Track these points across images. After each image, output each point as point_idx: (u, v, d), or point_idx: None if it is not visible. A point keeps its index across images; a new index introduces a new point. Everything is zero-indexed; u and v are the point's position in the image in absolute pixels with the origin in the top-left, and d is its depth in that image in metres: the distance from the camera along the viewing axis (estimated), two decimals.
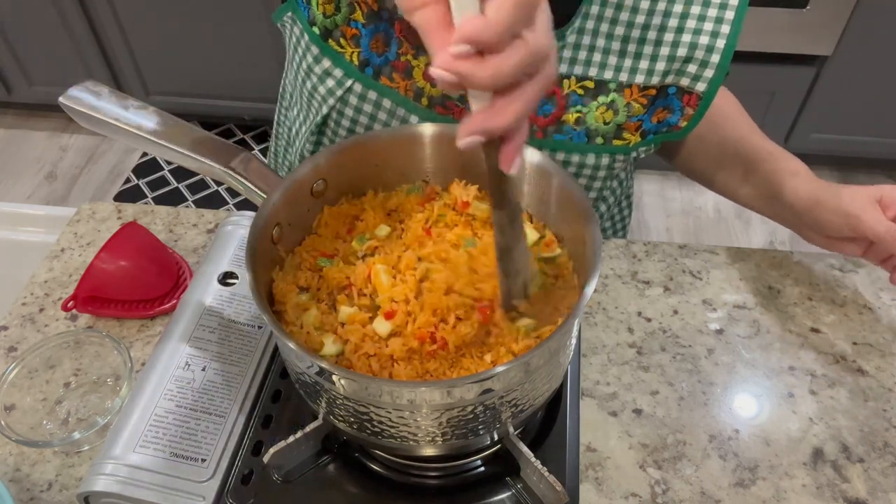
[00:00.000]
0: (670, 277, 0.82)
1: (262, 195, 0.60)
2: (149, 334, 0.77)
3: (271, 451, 0.58)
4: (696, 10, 0.72)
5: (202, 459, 0.60)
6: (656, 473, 0.65)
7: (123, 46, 2.17)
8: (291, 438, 0.59)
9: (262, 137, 2.42)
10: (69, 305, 0.76)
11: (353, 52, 0.75)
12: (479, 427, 0.54)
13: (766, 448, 0.67)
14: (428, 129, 0.66)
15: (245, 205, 2.18)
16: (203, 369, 0.66)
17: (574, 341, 0.60)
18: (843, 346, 0.76)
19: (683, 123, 0.78)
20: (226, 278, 0.73)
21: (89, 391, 0.72)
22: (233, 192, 2.25)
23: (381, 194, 0.68)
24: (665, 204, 2.21)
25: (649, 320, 0.78)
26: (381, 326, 0.56)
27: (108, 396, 0.71)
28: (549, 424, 0.66)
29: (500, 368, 0.48)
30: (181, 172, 2.29)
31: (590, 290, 0.51)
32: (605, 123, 0.75)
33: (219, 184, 2.28)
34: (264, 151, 2.37)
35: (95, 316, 0.78)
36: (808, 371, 0.74)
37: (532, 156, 0.63)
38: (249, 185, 0.61)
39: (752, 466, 0.66)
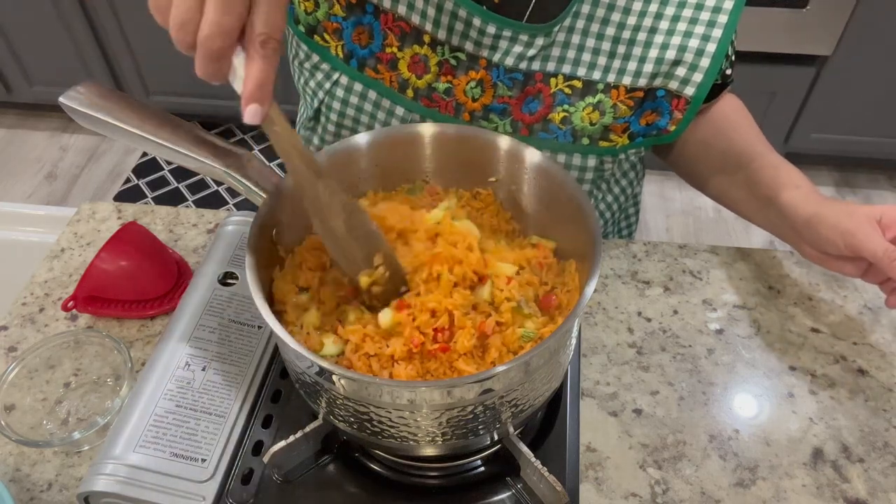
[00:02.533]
0: (670, 277, 0.82)
1: (262, 195, 0.60)
2: (149, 334, 0.77)
3: (271, 451, 0.58)
4: (687, 13, 0.72)
5: (202, 459, 0.60)
6: (656, 473, 0.65)
7: (123, 46, 2.17)
8: (291, 438, 0.59)
9: (263, 137, 2.42)
10: (69, 305, 0.76)
11: (337, 46, 0.76)
12: (479, 427, 0.54)
13: (766, 448, 0.67)
14: (428, 129, 0.66)
15: (245, 205, 2.18)
16: (203, 369, 0.66)
17: (574, 341, 0.60)
18: (843, 346, 0.76)
19: (672, 127, 0.77)
20: (226, 278, 0.73)
21: (89, 391, 0.72)
22: (233, 192, 2.25)
23: (381, 194, 0.68)
24: (665, 204, 2.21)
25: (649, 320, 0.78)
26: (385, 316, 0.56)
27: (108, 396, 0.71)
28: (549, 424, 0.66)
29: (500, 368, 0.48)
30: (181, 172, 2.29)
31: (590, 290, 0.51)
32: (592, 124, 0.75)
33: (219, 184, 2.28)
34: (264, 151, 2.37)
35: (95, 316, 0.78)
36: (808, 371, 0.74)
37: (532, 156, 0.63)
38: (249, 185, 0.61)
39: (752, 466, 0.66)
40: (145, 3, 0.49)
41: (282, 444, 0.58)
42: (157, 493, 0.58)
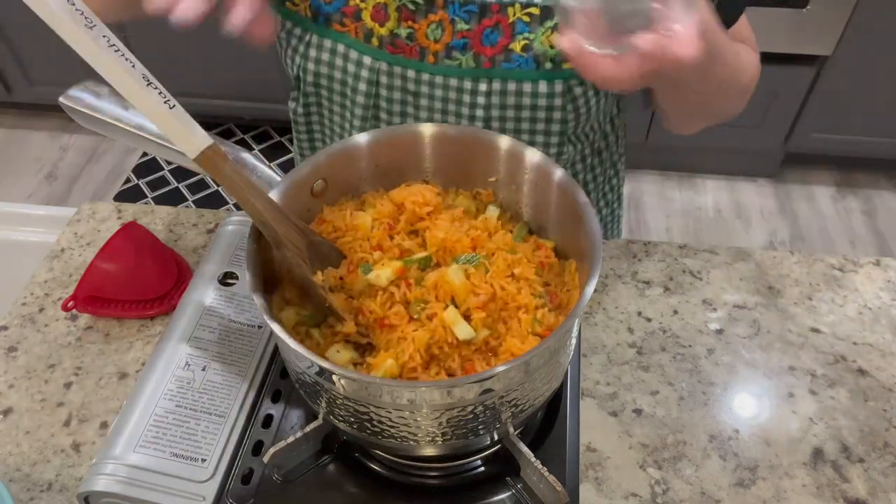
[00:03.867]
0: (670, 277, 0.82)
1: None
2: (149, 334, 0.77)
3: (271, 451, 0.58)
4: None
5: (202, 459, 0.60)
6: (656, 473, 0.66)
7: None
8: (291, 438, 0.59)
9: (263, 137, 2.42)
10: (69, 305, 0.76)
11: (304, 7, 0.77)
12: (479, 427, 0.54)
13: (766, 448, 0.67)
14: (428, 129, 0.66)
15: None
16: (203, 369, 0.66)
17: (574, 341, 0.60)
18: (843, 346, 0.76)
19: None
20: (226, 278, 0.73)
21: (89, 391, 0.72)
22: None
23: (382, 193, 0.68)
24: (665, 204, 2.21)
25: (649, 320, 0.78)
26: (383, 274, 0.56)
27: (109, 396, 0.71)
28: (549, 424, 0.66)
29: (500, 368, 0.48)
30: (181, 172, 2.29)
31: (590, 290, 0.51)
32: (552, 47, 0.73)
33: (219, 184, 2.27)
34: (264, 151, 2.37)
35: (95, 316, 0.78)
36: (808, 371, 0.74)
37: (532, 156, 0.63)
38: None
39: (752, 466, 0.66)
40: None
41: (282, 444, 0.58)
42: (157, 493, 0.58)
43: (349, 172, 0.66)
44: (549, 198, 0.64)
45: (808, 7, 1.78)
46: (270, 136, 2.42)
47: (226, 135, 2.42)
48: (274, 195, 0.59)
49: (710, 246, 0.86)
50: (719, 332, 0.77)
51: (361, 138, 0.65)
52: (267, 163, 0.66)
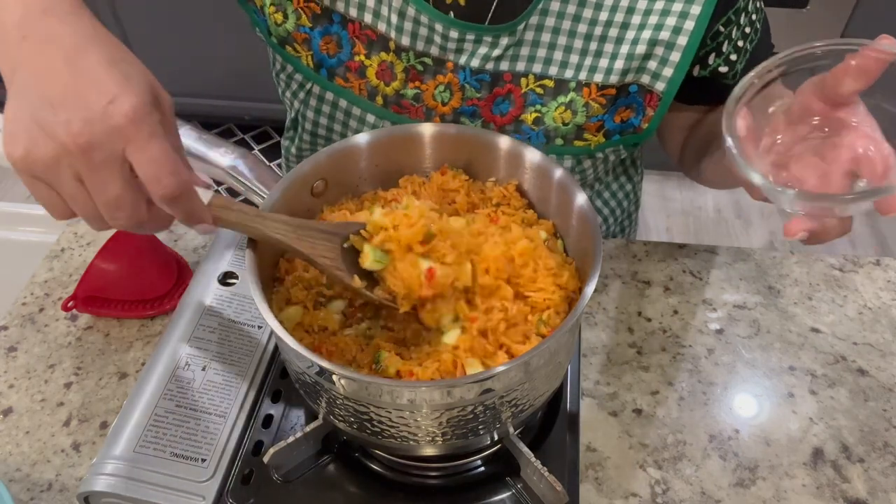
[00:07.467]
0: (670, 277, 0.82)
1: (262, 195, 0.60)
2: (149, 334, 0.77)
3: (271, 451, 0.58)
4: (659, 5, 0.68)
5: (202, 459, 0.60)
6: (656, 473, 0.66)
7: None
8: (291, 438, 0.59)
9: (262, 137, 2.42)
10: (69, 305, 0.76)
11: (307, 56, 0.76)
12: (479, 427, 0.54)
13: (766, 448, 0.67)
14: (428, 129, 0.66)
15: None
16: (203, 369, 0.66)
17: (574, 341, 0.60)
18: (843, 346, 0.76)
19: (645, 125, 0.75)
20: (226, 278, 0.73)
21: (89, 391, 0.72)
22: (233, 192, 2.24)
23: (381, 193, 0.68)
24: (665, 204, 2.21)
25: (649, 320, 0.78)
26: (449, 337, 0.55)
27: (109, 396, 0.71)
28: (549, 424, 0.66)
29: (500, 368, 0.48)
30: None
31: (590, 290, 0.51)
32: (565, 124, 0.73)
33: (219, 184, 2.27)
34: (264, 151, 2.37)
35: (95, 316, 0.78)
36: (808, 371, 0.74)
37: (532, 156, 0.63)
38: (249, 185, 0.61)
39: (752, 466, 0.66)
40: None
41: (282, 444, 0.58)
42: (157, 493, 0.58)
43: (349, 172, 0.66)
44: (549, 197, 0.64)
45: (808, 7, 1.78)
46: (270, 136, 2.42)
47: (226, 135, 2.42)
48: (274, 195, 0.59)
49: (710, 246, 0.86)
50: (719, 332, 0.77)
51: (361, 138, 0.65)
52: (267, 163, 0.66)
